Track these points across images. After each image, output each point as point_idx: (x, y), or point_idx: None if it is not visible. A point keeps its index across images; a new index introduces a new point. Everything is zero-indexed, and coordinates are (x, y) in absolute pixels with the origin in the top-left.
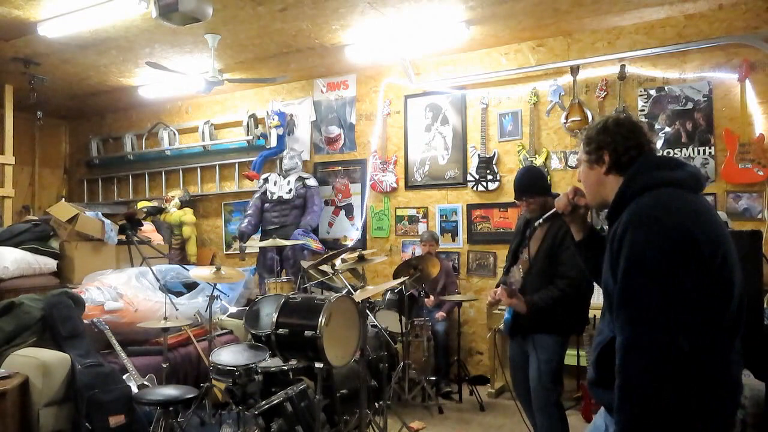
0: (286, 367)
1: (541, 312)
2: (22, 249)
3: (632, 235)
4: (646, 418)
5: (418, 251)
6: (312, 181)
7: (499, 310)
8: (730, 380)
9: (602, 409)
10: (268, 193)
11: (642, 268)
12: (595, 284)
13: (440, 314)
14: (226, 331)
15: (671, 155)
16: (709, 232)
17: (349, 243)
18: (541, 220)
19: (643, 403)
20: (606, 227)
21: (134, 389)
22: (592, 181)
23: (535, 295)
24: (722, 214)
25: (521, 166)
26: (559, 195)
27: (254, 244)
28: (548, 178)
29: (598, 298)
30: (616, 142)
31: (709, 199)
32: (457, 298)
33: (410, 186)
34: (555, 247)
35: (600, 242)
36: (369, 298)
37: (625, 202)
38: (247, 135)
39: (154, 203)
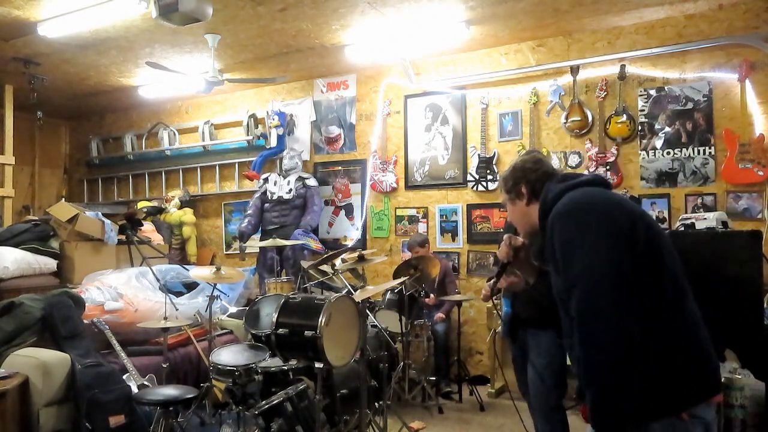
0: (286, 367)
1: (535, 294)
2: (22, 249)
3: (558, 229)
4: (611, 391)
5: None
6: (312, 181)
7: (495, 308)
8: (693, 344)
9: None
10: (268, 193)
11: (573, 252)
12: None
13: (439, 315)
14: (226, 331)
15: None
16: (621, 208)
17: (349, 243)
18: (492, 282)
19: (606, 377)
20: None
21: (134, 389)
22: (518, 214)
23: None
24: (722, 214)
25: None
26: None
27: (254, 244)
28: None
29: None
30: (527, 174)
31: (709, 199)
32: (457, 298)
33: (410, 186)
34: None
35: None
36: (369, 298)
37: (547, 212)
38: (247, 135)
39: (154, 203)
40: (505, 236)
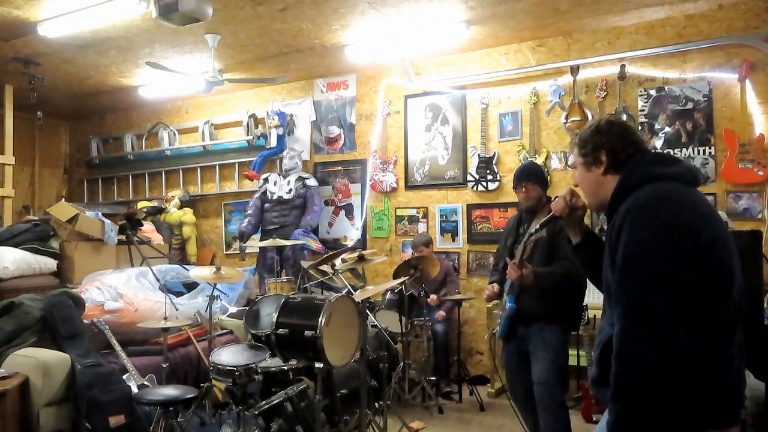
0: (286, 367)
1: (546, 287)
2: (22, 249)
3: (630, 226)
4: (641, 408)
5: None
6: (312, 181)
7: (495, 308)
8: (731, 373)
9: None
10: (268, 193)
11: (640, 258)
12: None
13: (440, 314)
14: (226, 331)
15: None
16: (706, 223)
17: (349, 243)
18: (538, 226)
19: (638, 393)
20: (605, 226)
21: (134, 389)
22: (590, 182)
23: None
24: (722, 214)
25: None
26: (557, 198)
27: (254, 244)
28: (548, 178)
29: (597, 297)
30: (611, 141)
31: (709, 199)
32: (457, 297)
33: (410, 186)
34: (553, 243)
35: (597, 244)
36: (369, 298)
37: (624, 196)
38: (247, 135)
39: (154, 203)
40: (567, 190)
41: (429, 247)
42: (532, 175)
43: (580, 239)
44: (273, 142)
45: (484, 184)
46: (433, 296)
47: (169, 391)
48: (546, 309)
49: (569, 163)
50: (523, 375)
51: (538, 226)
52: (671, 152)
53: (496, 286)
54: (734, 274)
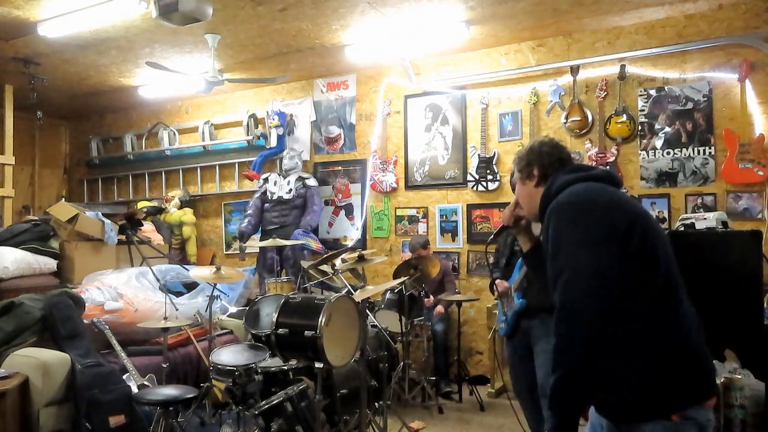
0: (286, 367)
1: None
2: (22, 249)
3: (554, 221)
4: (578, 377)
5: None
6: (312, 181)
7: (495, 309)
8: (688, 346)
9: (592, 407)
10: (268, 193)
11: (564, 244)
12: None
13: (438, 309)
14: (226, 331)
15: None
16: (621, 206)
17: (349, 243)
18: (492, 237)
19: (575, 363)
20: None
21: (134, 389)
22: (524, 194)
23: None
24: (722, 214)
25: None
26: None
27: (254, 244)
28: None
29: None
30: (541, 158)
31: (709, 199)
32: (457, 298)
33: (410, 186)
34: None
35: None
36: (369, 298)
37: (548, 202)
38: (247, 135)
39: (154, 203)
40: (513, 201)
41: (427, 248)
42: None
43: (530, 246)
44: (273, 142)
45: (484, 184)
46: (429, 299)
47: (169, 391)
48: (551, 300)
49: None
50: (527, 369)
51: (491, 237)
52: (671, 152)
53: (505, 282)
54: (658, 252)
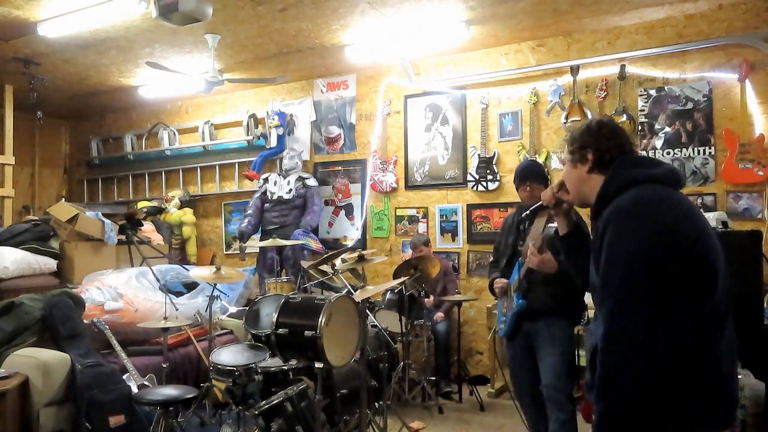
0: (286, 367)
1: (563, 275)
2: (22, 249)
3: (614, 229)
4: (625, 408)
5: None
6: (312, 181)
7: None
8: (719, 374)
9: None
10: (268, 193)
11: (622, 260)
12: None
13: (439, 315)
14: (226, 331)
15: (649, 156)
16: (686, 223)
17: (349, 243)
18: (528, 212)
19: (623, 393)
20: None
21: (134, 389)
22: (574, 179)
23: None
24: (722, 214)
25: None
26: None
27: (254, 244)
28: (548, 177)
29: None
30: (598, 141)
31: (709, 199)
32: (457, 298)
33: (410, 186)
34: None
35: (584, 239)
36: (369, 298)
37: (608, 200)
38: (247, 135)
39: (154, 203)
40: (557, 181)
41: (428, 246)
42: (538, 175)
43: (567, 230)
44: (273, 142)
45: (484, 184)
46: (429, 299)
47: (169, 391)
48: (555, 303)
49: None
50: (529, 371)
51: (528, 212)
52: (671, 152)
53: (503, 279)
54: (718, 272)
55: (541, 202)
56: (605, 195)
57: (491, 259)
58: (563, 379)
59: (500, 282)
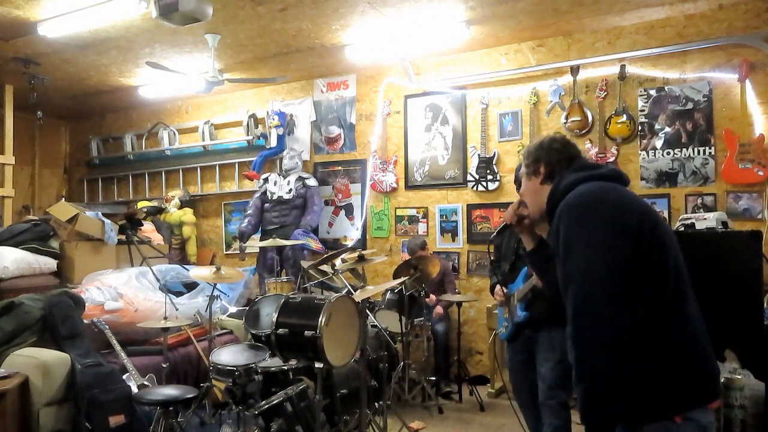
0: (286, 367)
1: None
2: (22, 249)
3: (564, 222)
4: (602, 386)
5: None
6: (312, 181)
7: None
8: (696, 348)
9: None
10: (268, 193)
11: (577, 247)
12: None
13: (437, 310)
14: (226, 331)
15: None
16: (631, 207)
17: (349, 243)
18: (494, 234)
19: (597, 371)
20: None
21: (134, 389)
22: (529, 191)
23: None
24: (722, 214)
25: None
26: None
27: (254, 244)
28: None
29: None
30: (549, 155)
31: (709, 199)
32: (457, 298)
33: (410, 186)
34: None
35: (550, 254)
36: (369, 298)
37: (557, 201)
38: (247, 135)
39: (154, 203)
40: (517, 200)
41: (425, 249)
42: None
43: (533, 246)
44: (273, 142)
45: (484, 184)
46: (430, 298)
47: (169, 391)
48: (557, 314)
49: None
50: (528, 374)
51: (494, 234)
52: (671, 152)
53: (503, 289)
54: (667, 247)
55: (503, 222)
56: (554, 197)
57: (492, 257)
58: (559, 385)
59: (499, 295)
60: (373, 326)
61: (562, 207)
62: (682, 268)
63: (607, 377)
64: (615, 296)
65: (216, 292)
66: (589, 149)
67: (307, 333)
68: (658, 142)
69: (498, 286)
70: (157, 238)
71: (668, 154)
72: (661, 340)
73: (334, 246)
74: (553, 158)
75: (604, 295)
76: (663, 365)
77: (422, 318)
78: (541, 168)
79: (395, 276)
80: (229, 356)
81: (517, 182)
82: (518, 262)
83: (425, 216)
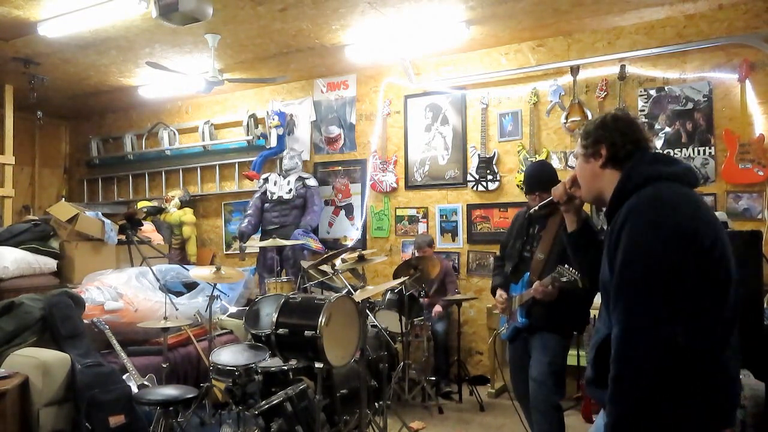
0: (286, 367)
1: (566, 298)
2: (22, 249)
3: (632, 226)
4: (639, 410)
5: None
6: (312, 181)
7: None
8: (726, 375)
9: (602, 410)
10: (268, 193)
11: (640, 260)
12: None
13: (436, 309)
14: (226, 331)
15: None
16: (706, 226)
17: (349, 243)
18: (537, 207)
19: (637, 394)
20: (605, 227)
21: (134, 389)
22: (587, 174)
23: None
24: (722, 214)
25: (525, 165)
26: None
27: (254, 244)
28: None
29: (596, 298)
30: (613, 136)
31: (709, 199)
32: (457, 298)
33: (410, 186)
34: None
35: (592, 236)
36: (369, 298)
37: (624, 197)
38: (247, 135)
39: (154, 203)
40: (569, 177)
41: (432, 247)
42: (548, 183)
43: (576, 227)
44: (273, 142)
45: (484, 184)
46: (425, 299)
47: (169, 391)
48: (554, 320)
49: (567, 163)
50: (526, 374)
51: (537, 207)
52: (671, 153)
53: (504, 294)
54: (731, 276)
55: (551, 198)
56: (622, 191)
57: (497, 254)
58: (549, 386)
59: (500, 302)
60: (373, 326)
61: (631, 207)
62: (739, 296)
63: (644, 404)
64: (669, 323)
65: (216, 292)
66: None
67: (307, 333)
68: (658, 142)
69: (499, 291)
70: (157, 238)
71: (668, 154)
72: (707, 372)
73: (334, 246)
74: (617, 139)
75: (658, 321)
76: (700, 398)
77: (422, 318)
78: (602, 150)
79: (395, 276)
80: (229, 356)
81: (527, 188)
82: (521, 264)
83: (425, 216)
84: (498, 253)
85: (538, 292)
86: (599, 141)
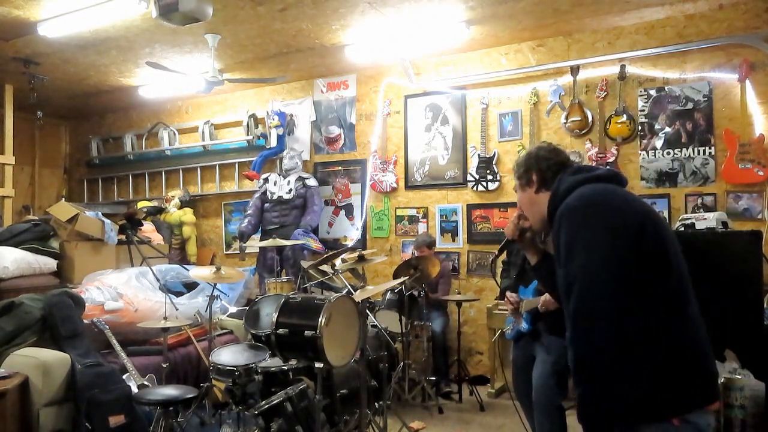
0: (286, 367)
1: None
2: (22, 249)
3: (565, 225)
4: (601, 386)
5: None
6: (312, 181)
7: (500, 310)
8: (695, 350)
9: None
10: (268, 193)
11: (576, 248)
12: None
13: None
14: (226, 331)
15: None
16: (631, 209)
17: (349, 243)
18: (497, 252)
19: (597, 372)
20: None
21: (134, 389)
22: (526, 202)
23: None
24: (722, 214)
25: None
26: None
27: (254, 244)
28: None
29: None
30: (540, 163)
31: (709, 199)
32: (457, 298)
33: (410, 186)
34: None
35: (553, 266)
36: (369, 298)
37: (557, 206)
38: (247, 135)
39: (154, 203)
40: (516, 214)
41: (432, 248)
42: None
43: (537, 259)
44: (273, 142)
45: (484, 184)
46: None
47: (169, 391)
48: (558, 325)
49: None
50: (528, 375)
51: (496, 252)
52: (671, 152)
53: (514, 295)
54: (669, 249)
55: (507, 238)
56: (554, 202)
57: (499, 270)
58: (552, 387)
59: (512, 302)
60: (373, 326)
61: (562, 210)
62: (684, 269)
63: (606, 377)
64: (616, 297)
65: (216, 292)
66: (589, 149)
67: (307, 333)
68: (658, 142)
69: (508, 292)
70: (157, 238)
71: (668, 154)
72: (661, 341)
73: (334, 246)
74: (542, 165)
75: (605, 296)
76: (662, 366)
77: (422, 318)
78: (533, 176)
79: (395, 276)
80: (229, 356)
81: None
82: (525, 273)
83: (425, 216)
84: (503, 264)
85: (545, 304)
86: (529, 170)
